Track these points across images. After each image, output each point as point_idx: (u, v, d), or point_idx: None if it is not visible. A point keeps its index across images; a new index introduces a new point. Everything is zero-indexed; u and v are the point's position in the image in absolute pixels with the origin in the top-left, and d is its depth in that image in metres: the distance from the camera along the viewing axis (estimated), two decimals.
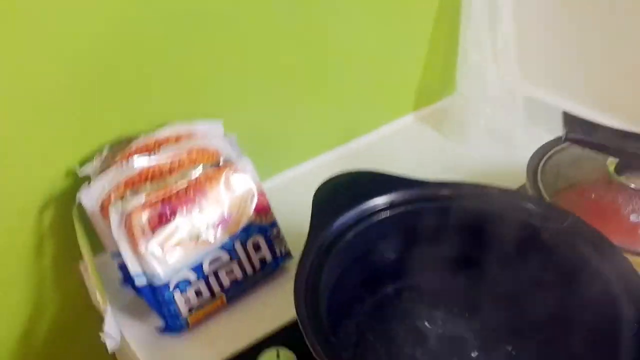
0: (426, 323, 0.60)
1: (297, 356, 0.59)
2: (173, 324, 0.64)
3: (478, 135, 0.88)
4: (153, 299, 0.64)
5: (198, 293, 0.65)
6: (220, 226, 0.65)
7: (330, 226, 0.59)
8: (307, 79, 0.82)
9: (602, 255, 0.54)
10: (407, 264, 0.62)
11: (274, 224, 0.69)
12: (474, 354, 0.58)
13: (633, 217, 0.60)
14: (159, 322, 0.65)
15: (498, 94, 0.86)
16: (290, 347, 0.60)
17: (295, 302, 0.52)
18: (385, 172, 0.65)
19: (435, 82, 0.95)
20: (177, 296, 0.64)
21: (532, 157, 0.70)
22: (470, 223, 0.60)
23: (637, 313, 0.50)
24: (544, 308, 0.57)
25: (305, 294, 0.53)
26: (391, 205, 0.63)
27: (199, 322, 0.66)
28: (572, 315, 0.55)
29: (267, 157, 0.81)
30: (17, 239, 0.68)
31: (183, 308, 0.64)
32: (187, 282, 0.64)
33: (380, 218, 0.62)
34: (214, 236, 0.65)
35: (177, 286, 0.63)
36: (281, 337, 0.62)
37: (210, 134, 0.71)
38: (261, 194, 0.68)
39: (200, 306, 0.65)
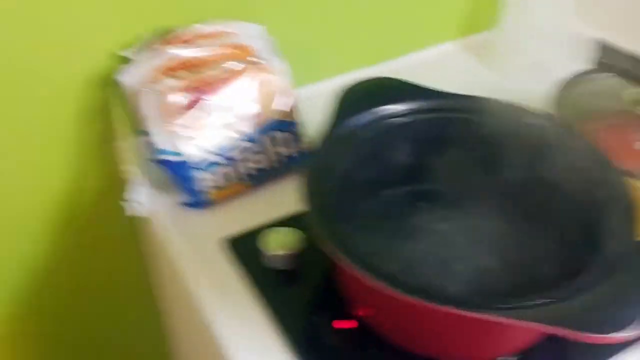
0: (428, 223, 0.63)
1: (307, 238, 0.63)
2: (196, 200, 0.70)
3: (519, 68, 0.89)
4: (179, 175, 0.68)
5: (221, 175, 0.69)
6: (249, 118, 0.69)
7: (349, 121, 0.62)
8: None
9: (604, 176, 0.56)
10: (417, 169, 0.65)
11: (299, 122, 0.73)
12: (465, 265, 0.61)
13: (637, 145, 0.61)
14: (184, 198, 0.70)
15: (548, 28, 0.86)
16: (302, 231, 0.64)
17: (302, 182, 0.56)
18: (411, 82, 0.67)
19: (482, 11, 0.95)
20: (202, 175, 0.68)
21: (557, 86, 0.71)
22: (483, 134, 0.62)
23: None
24: (541, 215, 0.59)
25: (314, 178, 0.57)
26: (412, 112, 0.65)
27: (221, 201, 0.71)
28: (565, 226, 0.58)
29: (305, 64, 0.84)
30: (63, 110, 0.74)
31: (206, 186, 0.69)
32: (212, 164, 0.68)
33: (399, 122, 0.64)
34: (241, 126, 0.69)
35: (201, 166, 0.68)
36: (296, 221, 0.66)
37: (250, 34, 0.74)
38: (291, 93, 0.72)
39: (223, 186, 0.70)
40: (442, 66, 0.93)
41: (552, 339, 0.55)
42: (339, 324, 0.58)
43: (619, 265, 0.48)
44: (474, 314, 0.46)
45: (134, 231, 0.86)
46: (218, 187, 0.70)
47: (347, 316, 0.58)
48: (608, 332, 0.44)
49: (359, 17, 0.87)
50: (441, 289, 0.54)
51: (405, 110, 0.65)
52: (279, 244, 0.63)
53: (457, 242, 0.61)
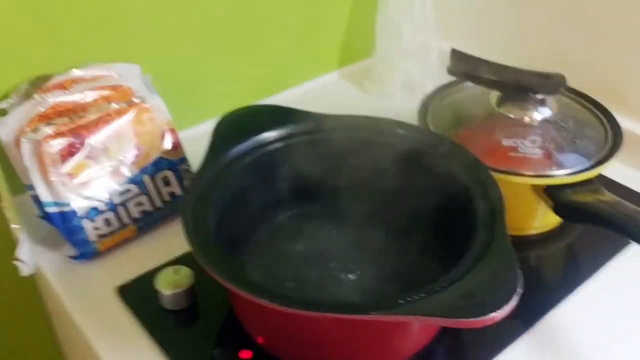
0: (313, 242, 0.65)
1: (196, 274, 0.63)
2: (83, 251, 0.68)
3: (395, 88, 0.93)
4: (63, 226, 0.67)
5: (107, 222, 0.68)
6: (130, 159, 0.69)
7: (228, 151, 0.63)
8: (230, 29, 0.86)
9: (472, 174, 0.59)
10: (301, 190, 0.67)
11: (183, 159, 0.73)
12: (351, 275, 0.62)
13: (505, 142, 0.65)
14: (72, 250, 0.68)
15: (413, 48, 0.90)
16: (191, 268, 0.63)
17: (181, 213, 0.56)
18: (285, 106, 0.69)
19: (359, 40, 0.99)
20: (86, 224, 0.67)
21: (423, 98, 0.74)
22: (358, 151, 0.65)
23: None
24: (418, 219, 0.61)
25: (194, 211, 0.56)
26: (288, 136, 0.66)
27: (109, 250, 0.69)
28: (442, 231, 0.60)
29: (186, 106, 0.84)
30: None
31: (92, 235, 0.68)
32: (97, 211, 0.67)
33: (275, 147, 0.66)
34: (124, 169, 0.69)
35: (86, 214, 0.67)
36: (184, 260, 0.66)
37: (126, 74, 0.74)
38: (172, 130, 0.72)
39: (109, 234, 0.69)
40: (325, 95, 0.96)
41: (442, 340, 0.57)
42: (243, 354, 0.58)
43: (487, 253, 0.50)
44: (352, 317, 0.46)
45: (35, 289, 0.83)
46: (105, 235, 0.68)
47: (248, 346, 0.58)
48: (483, 315, 0.46)
49: (241, 55, 0.89)
50: (322, 299, 0.54)
51: (282, 134, 0.66)
52: (170, 284, 0.62)
53: (341, 256, 0.63)
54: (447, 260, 0.54)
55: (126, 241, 0.71)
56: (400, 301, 0.47)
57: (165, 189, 0.72)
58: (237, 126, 0.67)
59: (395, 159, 0.63)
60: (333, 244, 0.64)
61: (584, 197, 0.60)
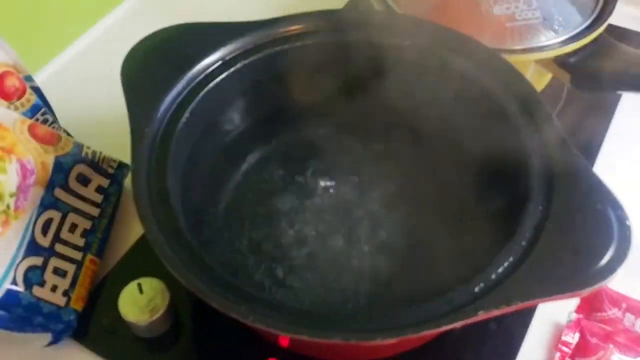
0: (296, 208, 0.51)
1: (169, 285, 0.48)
2: (58, 328, 0.48)
3: None
4: (9, 317, 0.45)
5: (58, 272, 0.48)
6: (22, 182, 0.46)
7: (156, 109, 0.45)
8: None
9: (478, 62, 0.46)
10: (272, 129, 0.53)
11: (79, 145, 0.52)
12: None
13: (496, 10, 0.50)
14: (45, 337, 0.48)
15: None
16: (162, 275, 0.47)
17: (141, 219, 0.39)
18: (207, 22, 0.50)
19: None
20: (38, 292, 0.46)
21: None
22: (326, 61, 0.49)
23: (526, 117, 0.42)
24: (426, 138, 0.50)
25: (152, 206, 0.41)
26: (228, 60, 0.49)
27: (83, 300, 0.50)
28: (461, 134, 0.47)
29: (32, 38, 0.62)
30: None
31: (56, 299, 0.48)
32: (35, 269, 0.47)
33: (218, 80, 0.48)
34: (23, 199, 0.46)
35: (26, 281, 0.46)
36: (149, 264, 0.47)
37: None
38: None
39: (73, 285, 0.49)
40: None
41: None
42: None
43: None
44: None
45: None
46: (69, 288, 0.49)
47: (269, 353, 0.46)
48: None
49: None
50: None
51: (217, 61, 0.48)
52: (142, 309, 0.47)
53: (340, 228, 0.50)
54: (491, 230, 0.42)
55: (93, 276, 0.52)
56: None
57: (88, 189, 0.52)
58: (151, 66, 0.47)
59: (377, 62, 0.48)
60: (322, 209, 0.51)
61: (606, 60, 0.48)
